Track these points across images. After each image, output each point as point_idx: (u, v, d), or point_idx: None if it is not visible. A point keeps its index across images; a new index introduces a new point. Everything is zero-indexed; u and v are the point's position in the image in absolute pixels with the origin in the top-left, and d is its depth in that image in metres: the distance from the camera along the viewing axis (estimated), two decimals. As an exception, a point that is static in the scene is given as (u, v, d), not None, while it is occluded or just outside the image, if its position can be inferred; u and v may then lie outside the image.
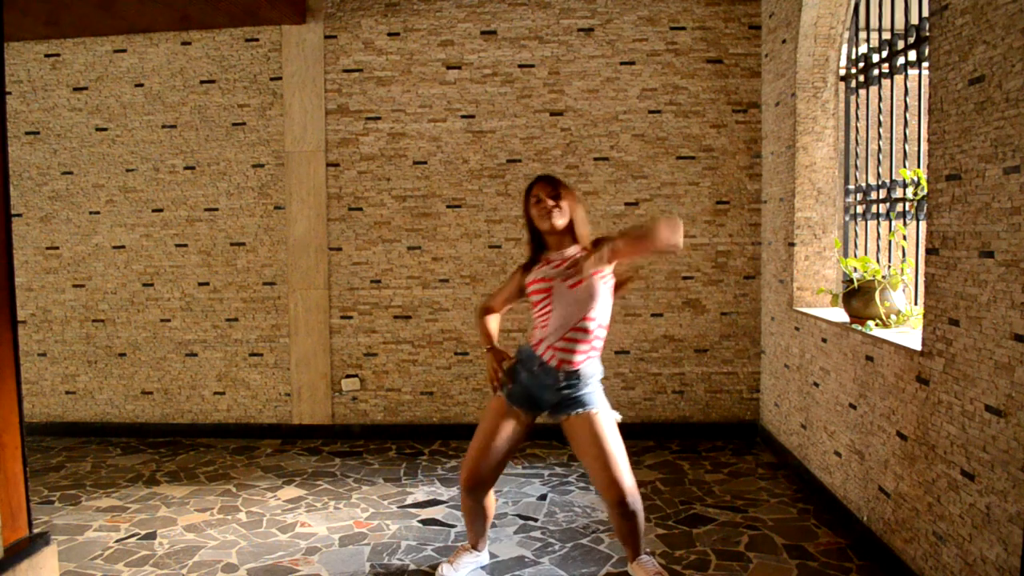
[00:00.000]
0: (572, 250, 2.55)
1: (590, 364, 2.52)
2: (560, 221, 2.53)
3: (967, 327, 2.11)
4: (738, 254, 4.38)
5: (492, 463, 2.55)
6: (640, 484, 3.62)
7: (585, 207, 2.65)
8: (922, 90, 2.95)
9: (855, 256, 3.49)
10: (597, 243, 2.45)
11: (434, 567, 2.79)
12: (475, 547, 2.79)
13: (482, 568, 2.78)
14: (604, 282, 2.49)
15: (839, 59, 3.64)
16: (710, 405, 4.43)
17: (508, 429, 2.55)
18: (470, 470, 2.56)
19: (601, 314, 2.50)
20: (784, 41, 3.83)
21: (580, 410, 2.49)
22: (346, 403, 4.57)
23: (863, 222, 3.51)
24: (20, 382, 2.42)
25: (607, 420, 2.51)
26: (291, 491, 3.66)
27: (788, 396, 3.83)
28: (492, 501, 2.71)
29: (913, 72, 3.03)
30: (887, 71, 3.17)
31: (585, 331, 2.47)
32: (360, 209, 4.49)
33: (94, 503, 3.55)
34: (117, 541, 3.09)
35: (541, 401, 2.54)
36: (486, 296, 2.79)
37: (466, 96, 4.41)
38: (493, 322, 2.71)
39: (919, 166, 3.00)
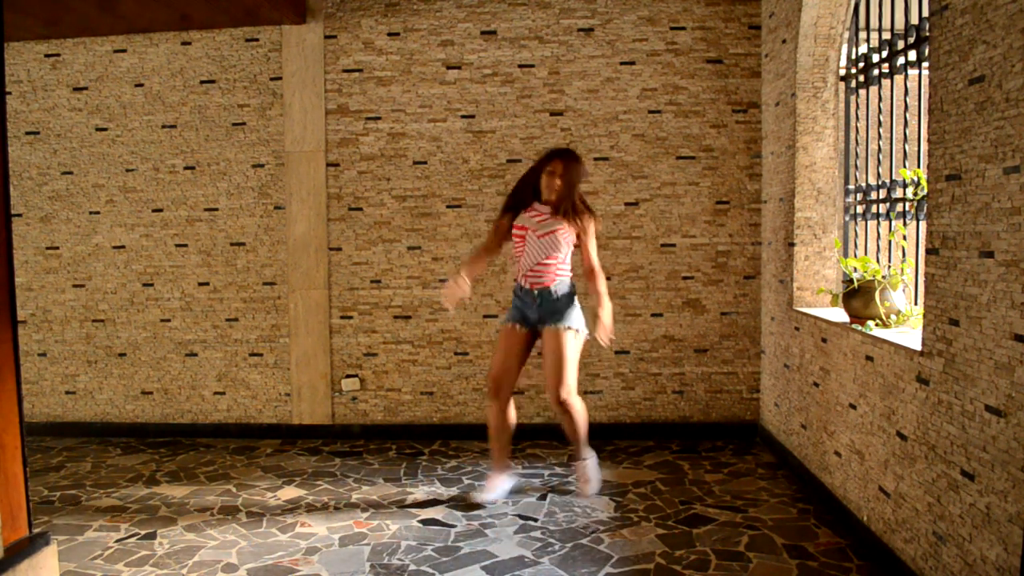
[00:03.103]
0: (549, 208, 3.37)
1: (559, 283, 3.36)
2: (555, 196, 3.35)
3: (967, 327, 2.11)
4: (738, 254, 4.38)
5: (509, 368, 3.39)
6: (640, 484, 3.65)
7: (580, 177, 3.43)
8: (922, 90, 2.95)
9: (855, 256, 3.49)
10: (579, 213, 3.35)
11: (434, 567, 2.79)
12: (496, 467, 3.51)
13: (482, 568, 2.78)
14: (564, 236, 3.34)
15: (839, 59, 3.64)
16: (710, 405, 4.43)
17: (515, 342, 3.40)
18: (494, 376, 3.41)
19: (560, 255, 3.35)
20: (784, 41, 3.83)
21: (555, 324, 3.32)
22: (346, 403, 4.57)
23: (863, 222, 3.51)
24: (20, 382, 2.42)
25: (572, 338, 3.33)
26: (291, 491, 3.66)
27: (788, 396, 3.83)
28: (512, 418, 3.48)
29: (913, 72, 3.03)
30: (887, 71, 3.17)
31: (547, 265, 3.34)
32: (360, 209, 4.49)
33: (94, 503, 3.55)
34: (117, 541, 3.09)
35: (529, 317, 3.39)
36: (488, 233, 3.62)
37: (466, 96, 4.41)
38: (480, 259, 3.48)
39: (919, 166, 3.00)
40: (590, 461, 3.55)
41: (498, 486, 3.48)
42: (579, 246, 3.42)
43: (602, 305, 3.33)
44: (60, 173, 4.69)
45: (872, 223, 3.44)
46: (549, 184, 3.34)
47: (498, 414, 3.44)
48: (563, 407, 3.37)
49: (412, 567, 2.80)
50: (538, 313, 3.36)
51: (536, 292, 3.35)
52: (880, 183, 3.28)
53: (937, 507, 2.29)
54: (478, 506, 3.40)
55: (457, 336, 4.48)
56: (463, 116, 4.41)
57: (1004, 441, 1.94)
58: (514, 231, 3.40)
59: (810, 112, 3.70)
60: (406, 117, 4.44)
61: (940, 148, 2.24)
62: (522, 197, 3.45)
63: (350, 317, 4.54)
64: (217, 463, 4.14)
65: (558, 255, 3.35)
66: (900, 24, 3.00)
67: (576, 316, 3.39)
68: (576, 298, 3.43)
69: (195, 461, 4.18)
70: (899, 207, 3.07)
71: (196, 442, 4.56)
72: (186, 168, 4.61)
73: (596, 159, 4.37)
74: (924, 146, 2.63)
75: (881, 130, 3.30)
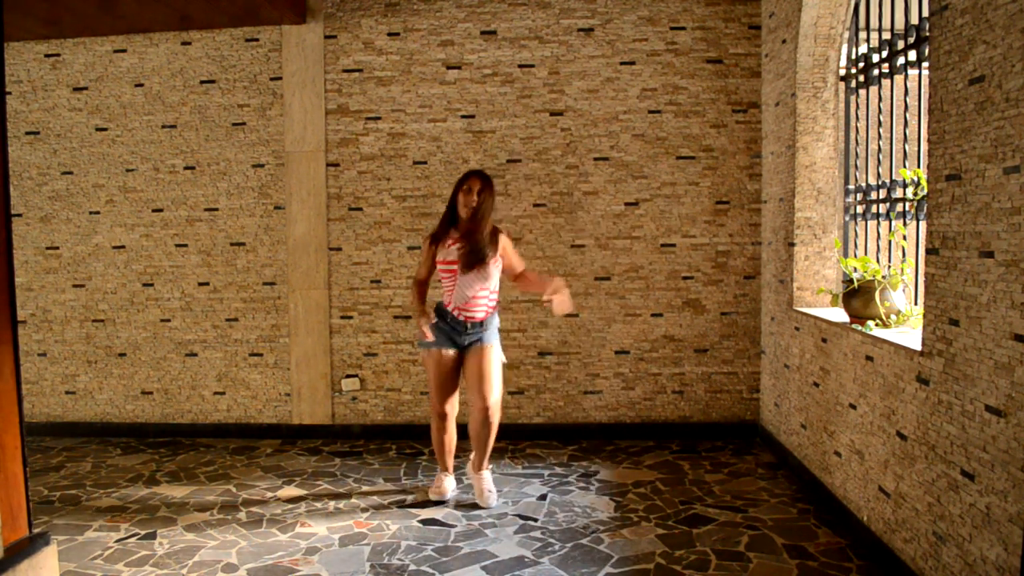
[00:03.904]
0: (465, 233, 3.35)
1: (490, 317, 3.42)
2: (470, 212, 3.35)
3: (967, 327, 2.11)
4: (738, 254, 4.38)
5: (450, 391, 3.46)
6: (640, 484, 3.65)
7: (493, 204, 3.46)
8: (922, 90, 2.95)
9: (855, 256, 3.49)
10: (494, 235, 3.38)
11: (434, 567, 2.79)
12: (447, 469, 3.57)
13: (482, 568, 2.78)
14: (495, 265, 3.38)
15: (839, 59, 3.64)
16: (710, 405, 4.43)
17: (447, 365, 3.41)
18: (440, 402, 3.46)
19: (491, 284, 3.39)
20: (784, 41, 3.83)
21: (479, 343, 3.39)
22: (346, 403, 4.57)
23: (863, 222, 3.51)
24: (20, 382, 2.42)
25: (495, 355, 3.42)
26: (291, 491, 3.66)
27: (788, 396, 3.83)
28: (453, 429, 3.55)
29: (913, 72, 3.03)
30: (887, 71, 3.17)
31: (479, 298, 3.36)
32: (360, 209, 4.49)
33: (94, 503, 3.55)
34: (117, 541, 3.09)
35: (458, 342, 3.41)
36: (416, 271, 3.64)
37: (466, 96, 4.41)
38: (424, 291, 3.55)
39: (919, 166, 3.00)
40: (489, 473, 3.53)
41: (449, 486, 3.54)
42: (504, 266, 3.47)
43: (549, 282, 3.29)
44: (60, 173, 4.69)
45: (872, 223, 3.44)
46: (466, 201, 3.34)
47: (443, 432, 3.51)
48: (487, 415, 3.37)
49: (412, 567, 2.80)
50: (468, 340, 3.39)
51: (468, 325, 3.36)
52: (880, 183, 3.28)
53: (937, 507, 2.29)
54: (478, 506, 3.40)
55: (457, 336, 4.48)
56: (463, 116, 4.41)
57: (1004, 441, 1.94)
58: (441, 269, 3.38)
59: (810, 112, 3.70)
60: (406, 117, 4.44)
61: (940, 148, 2.24)
62: (444, 224, 3.44)
63: (350, 317, 4.54)
64: (217, 463, 4.14)
65: (488, 284, 3.37)
66: (900, 24, 3.00)
67: (496, 337, 3.45)
68: (496, 317, 3.48)
69: (195, 461, 4.18)
70: (899, 207, 3.07)
71: (196, 442, 4.56)
72: (186, 168, 4.61)
73: (596, 159, 4.37)
74: (924, 146, 2.63)
75: (881, 130, 3.30)
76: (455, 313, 3.36)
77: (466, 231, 3.34)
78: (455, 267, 3.34)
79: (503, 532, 3.10)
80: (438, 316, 3.39)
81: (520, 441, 4.39)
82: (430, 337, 3.33)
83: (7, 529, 2.33)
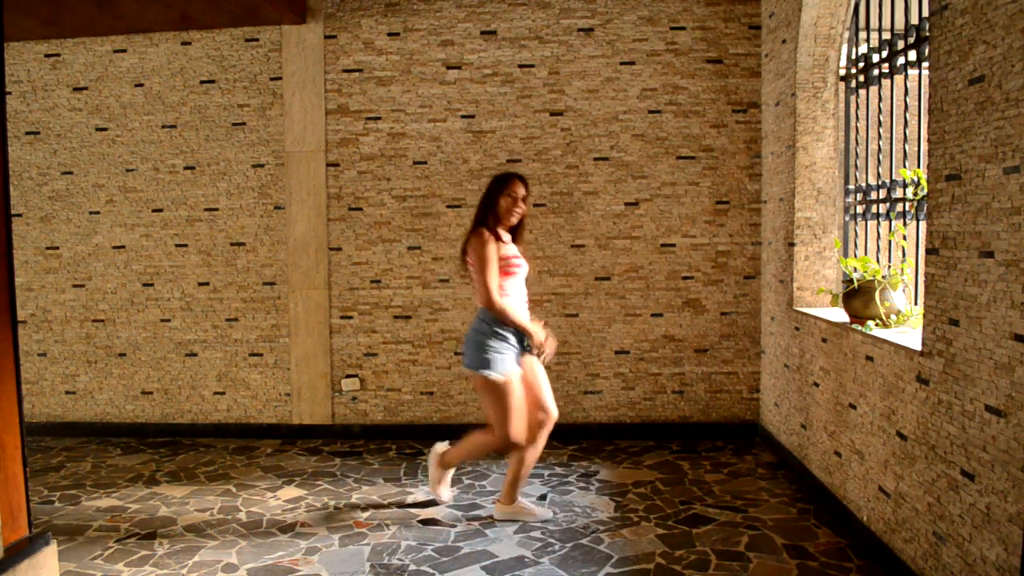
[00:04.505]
0: (507, 236, 3.21)
1: None
2: (517, 219, 3.21)
3: (967, 327, 2.11)
4: (738, 254, 4.38)
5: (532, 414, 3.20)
6: (640, 484, 3.65)
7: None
8: (922, 90, 2.95)
9: (855, 256, 3.49)
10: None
11: (434, 567, 2.79)
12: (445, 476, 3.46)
13: (482, 568, 2.78)
14: None
15: (839, 59, 3.64)
16: (710, 405, 4.43)
17: (523, 385, 3.13)
18: (528, 429, 3.13)
19: None
20: (784, 41, 3.83)
21: (527, 351, 3.18)
22: (346, 403, 4.57)
23: (863, 222, 3.51)
24: (20, 382, 2.42)
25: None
26: (291, 491, 3.66)
27: (788, 396, 3.83)
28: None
29: (913, 72, 3.03)
30: (887, 71, 3.17)
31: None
32: (360, 209, 4.49)
33: (94, 503, 3.55)
34: (117, 541, 3.09)
35: (523, 346, 3.16)
36: (491, 281, 3.04)
37: (466, 96, 4.41)
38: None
39: (919, 166, 3.00)
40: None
41: (446, 479, 3.46)
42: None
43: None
44: (60, 173, 4.69)
45: (872, 223, 3.44)
46: (513, 208, 3.15)
47: (534, 447, 3.22)
48: (551, 426, 3.22)
49: (412, 567, 2.80)
50: (524, 346, 3.17)
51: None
52: (880, 183, 3.28)
53: (937, 507, 2.29)
54: (478, 506, 3.40)
55: (457, 336, 4.48)
56: (463, 116, 4.41)
57: (1004, 441, 1.94)
58: (513, 264, 3.13)
59: (810, 112, 3.70)
60: (406, 117, 4.44)
61: (940, 148, 2.24)
62: (491, 224, 3.16)
63: (350, 317, 4.54)
64: (217, 463, 4.13)
65: None
66: (900, 24, 3.00)
67: None
68: None
69: (195, 461, 4.18)
70: (899, 207, 3.07)
71: (196, 442, 4.56)
72: (186, 168, 4.60)
73: (596, 159, 4.37)
74: (924, 146, 2.63)
75: (881, 130, 3.30)
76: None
77: (517, 232, 3.25)
78: (520, 265, 3.15)
79: (503, 532, 3.10)
80: (505, 333, 3.08)
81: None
82: (549, 349, 3.15)
83: (7, 529, 2.33)
